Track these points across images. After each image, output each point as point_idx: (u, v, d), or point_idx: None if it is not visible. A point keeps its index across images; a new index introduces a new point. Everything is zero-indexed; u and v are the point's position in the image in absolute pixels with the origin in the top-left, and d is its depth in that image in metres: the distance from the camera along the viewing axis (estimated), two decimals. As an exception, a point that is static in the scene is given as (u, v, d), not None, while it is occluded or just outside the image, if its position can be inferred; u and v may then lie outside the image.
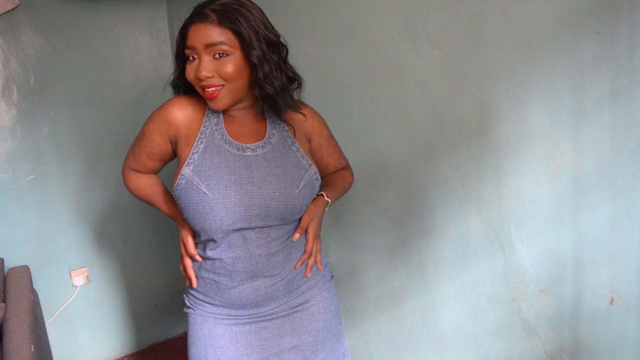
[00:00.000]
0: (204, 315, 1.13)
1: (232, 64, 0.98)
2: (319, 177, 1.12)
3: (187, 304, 1.17)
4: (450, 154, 1.24)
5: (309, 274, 1.15)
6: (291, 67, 1.09)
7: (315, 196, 1.16)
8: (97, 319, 2.24)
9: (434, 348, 1.44)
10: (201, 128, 1.06)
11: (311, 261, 1.15)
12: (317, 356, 1.15)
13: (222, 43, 0.96)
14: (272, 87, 1.02)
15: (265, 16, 1.03)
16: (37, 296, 1.72)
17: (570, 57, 0.96)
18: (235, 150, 1.05)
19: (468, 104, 1.17)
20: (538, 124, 1.04)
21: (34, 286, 1.81)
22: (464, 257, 1.27)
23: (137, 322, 2.36)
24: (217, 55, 0.97)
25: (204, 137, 1.05)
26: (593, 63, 0.93)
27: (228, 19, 0.96)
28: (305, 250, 1.14)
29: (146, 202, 1.22)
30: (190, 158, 1.03)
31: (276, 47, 1.03)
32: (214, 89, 0.99)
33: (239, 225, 1.03)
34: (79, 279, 2.14)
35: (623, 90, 0.90)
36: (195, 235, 1.12)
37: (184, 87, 1.10)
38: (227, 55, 0.97)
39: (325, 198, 1.18)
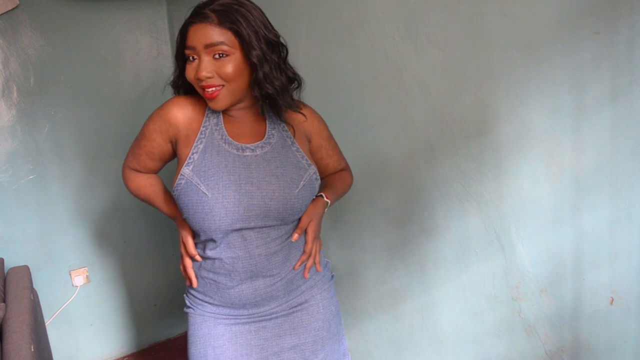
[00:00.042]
0: (203, 315, 1.13)
1: (232, 64, 0.98)
2: (318, 178, 1.12)
3: (187, 303, 1.17)
4: (450, 154, 1.24)
5: (307, 275, 1.15)
6: (291, 67, 1.09)
7: (314, 197, 1.16)
8: (97, 319, 2.24)
9: (434, 348, 1.44)
10: (201, 128, 1.06)
11: (310, 262, 1.15)
12: (317, 356, 1.15)
13: (222, 43, 0.96)
14: (272, 87, 1.02)
15: (265, 16, 1.03)
16: (37, 296, 1.72)
17: (570, 57, 0.96)
18: (235, 151, 1.05)
19: (468, 104, 1.17)
20: (538, 124, 1.04)
21: (34, 286, 1.81)
22: (464, 257, 1.27)
23: (137, 322, 2.36)
24: (217, 56, 0.97)
25: (204, 137, 1.05)
26: (593, 63, 0.93)
27: (228, 19, 0.96)
28: (304, 251, 1.14)
29: (146, 202, 1.22)
30: (189, 158, 1.03)
31: (276, 47, 1.03)
32: (213, 89, 0.99)
33: (238, 225, 1.03)
34: (79, 279, 2.14)
35: (623, 90, 0.90)
36: (195, 235, 1.12)
37: (184, 87, 1.10)
38: (227, 55, 0.97)
39: (325, 199, 1.18)
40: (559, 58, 0.98)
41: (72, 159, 2.06)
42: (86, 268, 2.16)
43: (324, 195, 1.18)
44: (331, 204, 1.20)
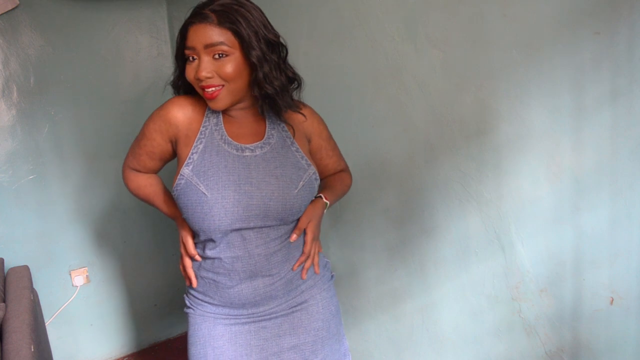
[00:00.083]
0: (203, 316, 1.13)
1: (231, 64, 0.98)
2: (318, 178, 1.12)
3: (187, 303, 1.17)
4: (450, 154, 1.24)
5: (304, 276, 1.15)
6: (291, 67, 1.09)
7: (314, 198, 1.16)
8: (97, 319, 2.24)
9: (434, 348, 1.44)
10: (201, 128, 1.06)
11: (308, 263, 1.15)
12: (317, 356, 1.15)
13: (221, 43, 0.96)
14: (272, 87, 1.02)
15: (265, 16, 1.03)
16: (37, 296, 1.72)
17: (570, 57, 0.96)
18: (234, 151, 1.05)
19: (468, 104, 1.17)
20: (538, 124, 1.04)
21: (34, 286, 1.81)
22: (464, 257, 1.27)
23: (137, 322, 2.36)
24: (216, 56, 0.97)
25: (204, 138, 1.05)
26: (593, 63, 0.93)
27: (228, 19, 0.96)
28: (303, 252, 1.14)
29: (146, 201, 1.22)
30: (189, 158, 1.03)
31: (276, 47, 1.03)
32: (213, 89, 0.99)
33: (237, 225, 1.03)
34: (79, 279, 2.14)
35: (623, 90, 0.90)
36: (194, 235, 1.12)
37: (184, 87, 1.10)
38: (226, 55, 0.97)
39: (324, 200, 1.18)
40: (559, 58, 0.98)
41: (72, 159, 2.06)
42: (86, 268, 2.16)
43: (323, 196, 1.18)
44: (330, 205, 1.20)
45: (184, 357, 1.20)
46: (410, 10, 1.25)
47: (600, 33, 0.91)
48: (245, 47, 0.98)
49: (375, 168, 1.48)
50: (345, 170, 1.32)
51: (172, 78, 1.11)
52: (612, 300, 0.99)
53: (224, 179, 1.01)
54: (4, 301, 1.46)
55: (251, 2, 1.02)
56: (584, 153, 0.98)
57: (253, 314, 1.11)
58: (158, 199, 1.20)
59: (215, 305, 1.12)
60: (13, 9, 1.84)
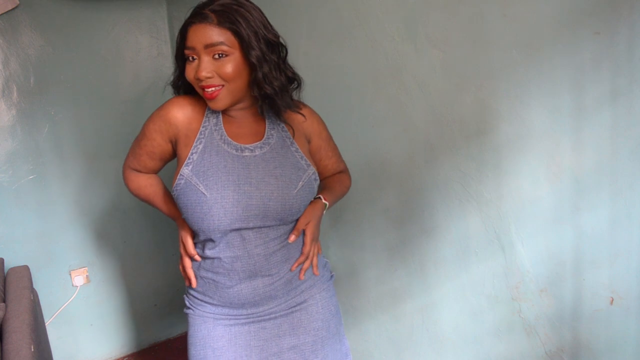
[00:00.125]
0: (203, 316, 1.13)
1: (231, 64, 0.98)
2: (317, 178, 1.12)
3: (187, 304, 1.17)
4: (450, 154, 1.24)
5: (302, 277, 1.15)
6: (290, 67, 1.09)
7: (313, 199, 1.16)
8: (97, 319, 2.24)
9: (434, 348, 1.44)
10: (200, 128, 1.06)
11: (307, 264, 1.15)
12: (317, 356, 1.15)
13: (221, 43, 0.96)
14: (272, 88, 1.02)
15: (265, 16, 1.03)
16: (37, 296, 1.72)
17: (570, 57, 0.96)
18: (234, 151, 1.05)
19: (468, 104, 1.17)
20: (538, 124, 1.04)
21: (34, 286, 1.81)
22: (464, 257, 1.27)
23: (137, 322, 2.36)
24: (216, 56, 0.97)
25: (203, 138, 1.05)
26: (593, 63, 0.93)
27: (227, 19, 0.96)
28: (302, 252, 1.14)
29: (146, 202, 1.22)
30: (189, 158, 1.03)
31: (275, 47, 1.03)
32: (213, 89, 0.99)
33: (237, 225, 1.03)
34: (79, 279, 2.14)
35: (623, 90, 0.89)
36: (194, 235, 1.12)
37: (184, 87, 1.10)
38: (226, 55, 0.97)
39: (323, 201, 1.18)
40: (559, 58, 0.98)
41: (72, 159, 2.06)
42: (86, 268, 2.16)
43: (322, 197, 1.18)
44: (329, 206, 1.20)
45: (184, 357, 1.20)
46: (410, 10, 1.25)
47: (600, 33, 0.91)
48: (245, 47, 0.98)
49: (375, 168, 1.48)
50: (344, 171, 1.32)
51: (172, 78, 1.11)
52: (612, 300, 0.99)
53: (223, 179, 1.01)
54: (4, 301, 1.46)
55: (251, 2, 1.02)
56: (584, 153, 0.98)
57: (252, 314, 1.11)
58: (158, 199, 1.20)
59: (215, 305, 1.12)
60: (13, 9, 1.84)
